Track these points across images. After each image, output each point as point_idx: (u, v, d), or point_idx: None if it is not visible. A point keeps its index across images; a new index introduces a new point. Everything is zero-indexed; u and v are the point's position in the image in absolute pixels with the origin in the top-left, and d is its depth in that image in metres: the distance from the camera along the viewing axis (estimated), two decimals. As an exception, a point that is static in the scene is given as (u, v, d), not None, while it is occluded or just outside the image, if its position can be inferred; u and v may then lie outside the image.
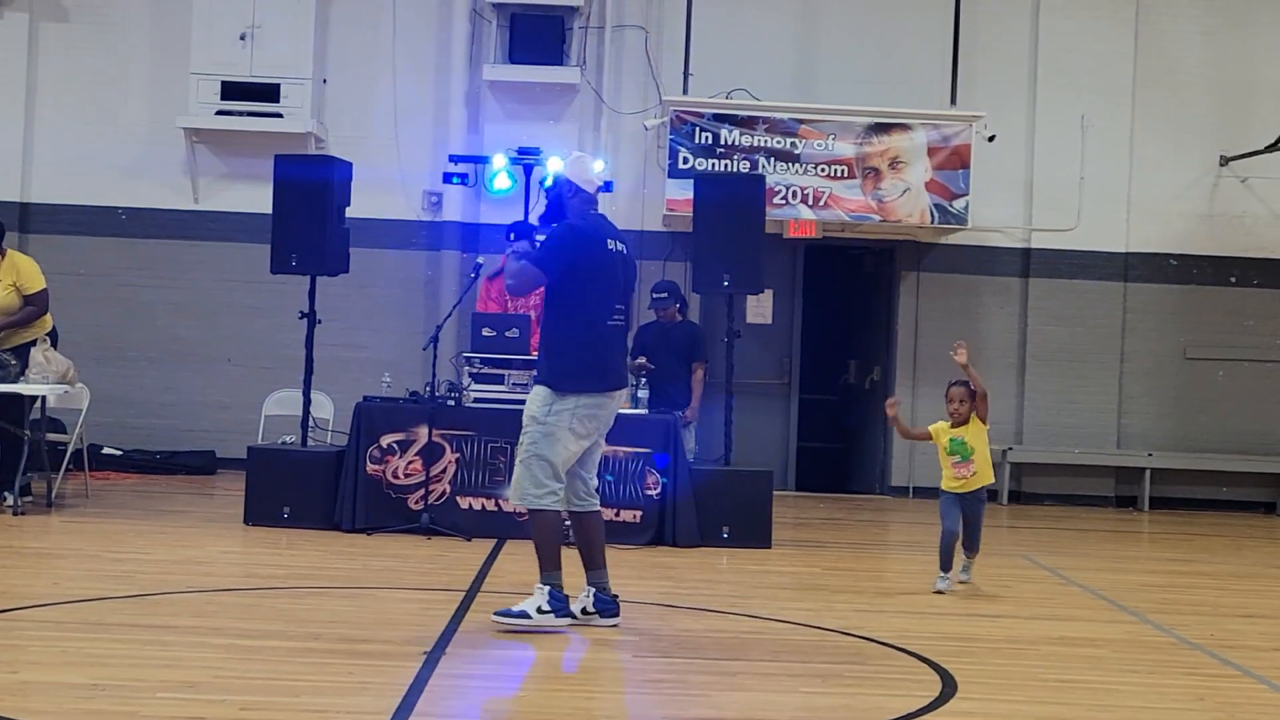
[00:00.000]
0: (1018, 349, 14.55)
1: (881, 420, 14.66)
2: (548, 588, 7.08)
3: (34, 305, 10.87)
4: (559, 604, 7.08)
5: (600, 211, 7.49)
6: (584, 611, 7.17)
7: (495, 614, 7.04)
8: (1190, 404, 14.70)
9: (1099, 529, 12.83)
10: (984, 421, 8.79)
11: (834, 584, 9.05)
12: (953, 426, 8.79)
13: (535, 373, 7.40)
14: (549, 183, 7.57)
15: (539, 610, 7.03)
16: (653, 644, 6.79)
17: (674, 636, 6.99)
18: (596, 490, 7.39)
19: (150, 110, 14.21)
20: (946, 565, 8.75)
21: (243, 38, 13.71)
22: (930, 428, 8.93)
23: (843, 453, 15.66)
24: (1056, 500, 14.36)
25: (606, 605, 7.21)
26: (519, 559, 9.28)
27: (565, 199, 7.38)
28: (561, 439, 7.07)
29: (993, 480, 9.02)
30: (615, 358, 7.32)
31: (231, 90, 13.75)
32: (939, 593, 8.59)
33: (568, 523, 7.40)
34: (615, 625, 7.14)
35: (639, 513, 10.19)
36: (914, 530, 12.31)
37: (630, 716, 5.57)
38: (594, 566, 7.29)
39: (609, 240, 7.29)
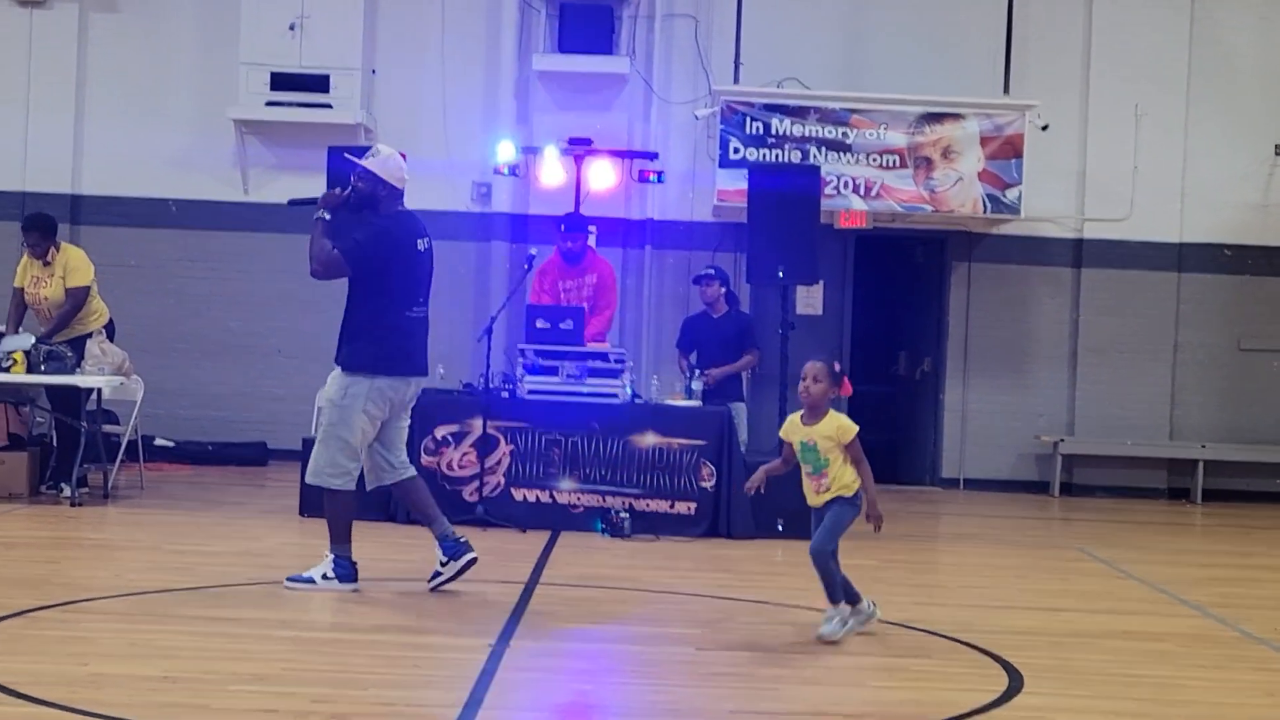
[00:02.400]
0: (1069, 340, 14.44)
1: (933, 411, 14.62)
2: (333, 556, 7.55)
3: (71, 300, 10.88)
4: (344, 571, 7.53)
5: (406, 208, 7.76)
6: (441, 563, 7.63)
7: (287, 579, 7.53)
8: (1244, 395, 14.57)
9: (1153, 521, 12.74)
10: (849, 442, 6.85)
11: (891, 577, 8.99)
12: (804, 420, 6.91)
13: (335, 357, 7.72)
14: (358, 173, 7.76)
15: (324, 576, 7.51)
16: (716, 637, 6.77)
17: (737, 630, 6.97)
18: (404, 461, 7.82)
19: (199, 101, 14.23)
20: (832, 594, 6.81)
21: (292, 28, 13.71)
22: (784, 426, 7.13)
23: (893, 444, 15.57)
24: (1108, 492, 14.23)
25: (456, 548, 7.64)
26: (575, 550, 9.30)
27: (379, 196, 7.66)
28: (356, 420, 7.46)
29: (847, 492, 6.84)
30: (413, 345, 7.67)
31: (281, 81, 13.76)
32: (822, 639, 6.68)
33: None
34: (470, 561, 7.64)
35: (693, 505, 10.16)
36: (967, 522, 12.26)
37: (699, 710, 5.54)
38: (431, 520, 7.75)
39: (418, 240, 7.65)
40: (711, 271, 11.78)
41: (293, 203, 8.21)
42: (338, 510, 7.60)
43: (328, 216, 7.66)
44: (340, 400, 7.48)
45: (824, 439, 6.77)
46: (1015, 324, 14.46)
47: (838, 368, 6.89)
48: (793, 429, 6.90)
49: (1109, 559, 10.07)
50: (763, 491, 7.31)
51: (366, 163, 7.68)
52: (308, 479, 7.77)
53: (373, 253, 7.51)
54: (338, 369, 7.59)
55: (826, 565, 6.71)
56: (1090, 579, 9.28)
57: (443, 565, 7.60)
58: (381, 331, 7.51)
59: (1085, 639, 7.12)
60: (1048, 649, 6.80)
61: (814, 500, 6.88)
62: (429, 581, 7.58)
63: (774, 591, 8.07)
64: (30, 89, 14.09)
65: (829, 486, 6.80)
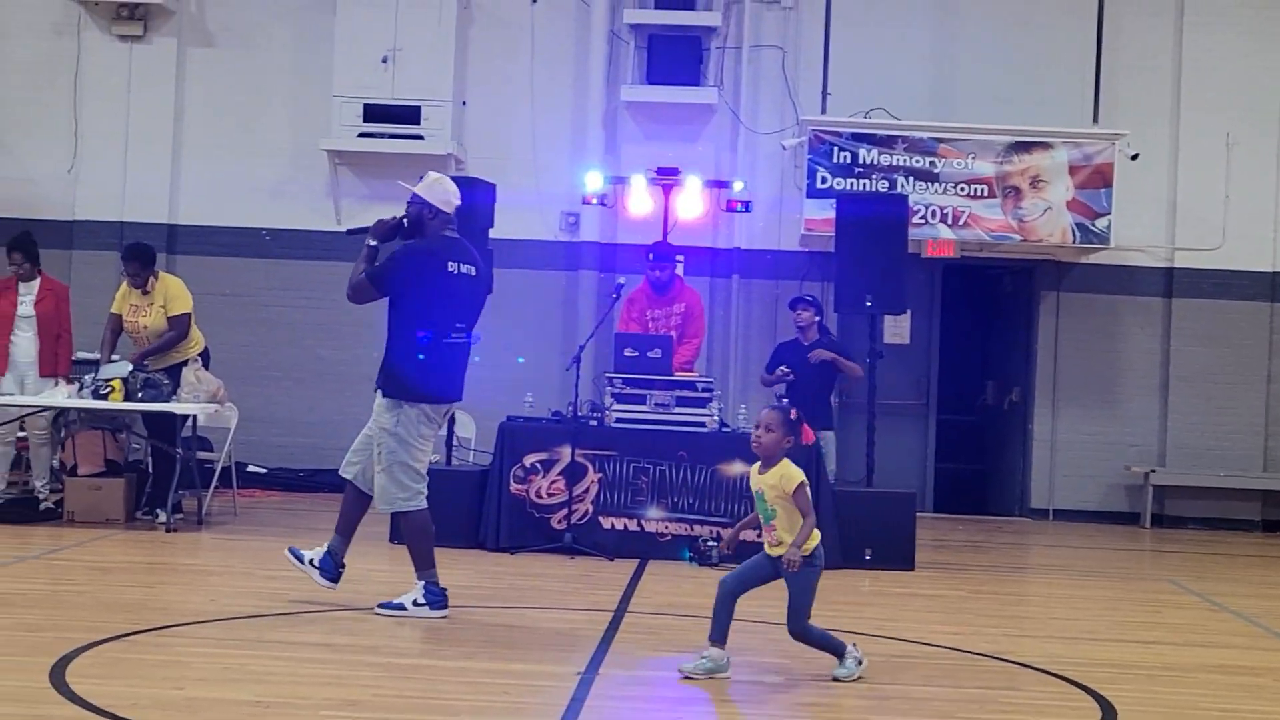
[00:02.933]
0: (1160, 370, 14.30)
1: (1021, 441, 14.53)
2: (423, 583, 7.59)
3: (174, 329, 11.08)
4: (434, 597, 7.58)
5: (454, 234, 7.81)
6: (311, 563, 7.81)
7: (378, 605, 7.60)
8: (1340, 427, 14.36)
9: (1246, 554, 12.58)
10: (802, 494, 6.48)
11: (980, 607, 8.96)
12: (760, 470, 6.60)
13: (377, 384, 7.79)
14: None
15: (414, 603, 7.56)
16: (804, 667, 6.76)
17: (824, 660, 6.92)
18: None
19: (293, 133, 14.46)
20: (716, 632, 6.50)
21: (384, 60, 13.90)
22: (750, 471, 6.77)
23: (981, 474, 15.50)
24: (1200, 524, 14.07)
25: (334, 570, 7.81)
26: (663, 579, 9.32)
27: (425, 220, 7.73)
28: (415, 444, 7.63)
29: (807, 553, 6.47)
30: (450, 372, 7.77)
31: (373, 113, 13.95)
32: (684, 675, 6.40)
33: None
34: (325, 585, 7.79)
35: (781, 534, 10.13)
36: (1056, 553, 12.15)
37: (787, 740, 5.55)
38: (344, 533, 7.90)
39: (451, 263, 7.67)
40: (808, 297, 11.81)
41: (350, 231, 8.22)
42: (415, 533, 7.69)
43: (373, 242, 7.72)
44: (394, 428, 7.61)
45: (769, 488, 6.50)
46: (1105, 354, 14.34)
47: (793, 416, 6.58)
48: (752, 478, 6.66)
49: (1201, 591, 9.95)
50: (731, 550, 7.20)
51: (415, 188, 7.79)
52: (380, 508, 7.79)
53: (395, 276, 7.60)
54: (379, 395, 7.71)
55: (809, 639, 6.49)
56: (1182, 611, 9.18)
57: (309, 565, 7.81)
58: (417, 358, 7.58)
59: (1178, 673, 7.05)
60: (1140, 682, 6.74)
61: (771, 552, 6.59)
62: (445, 609, 7.65)
63: (861, 621, 8.04)
64: (129, 122, 14.38)
65: (779, 540, 6.50)
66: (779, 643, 7.29)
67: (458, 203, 7.85)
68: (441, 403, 7.76)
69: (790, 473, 6.47)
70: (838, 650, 6.48)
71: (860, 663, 6.48)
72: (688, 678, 6.33)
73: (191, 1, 14.56)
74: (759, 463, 6.59)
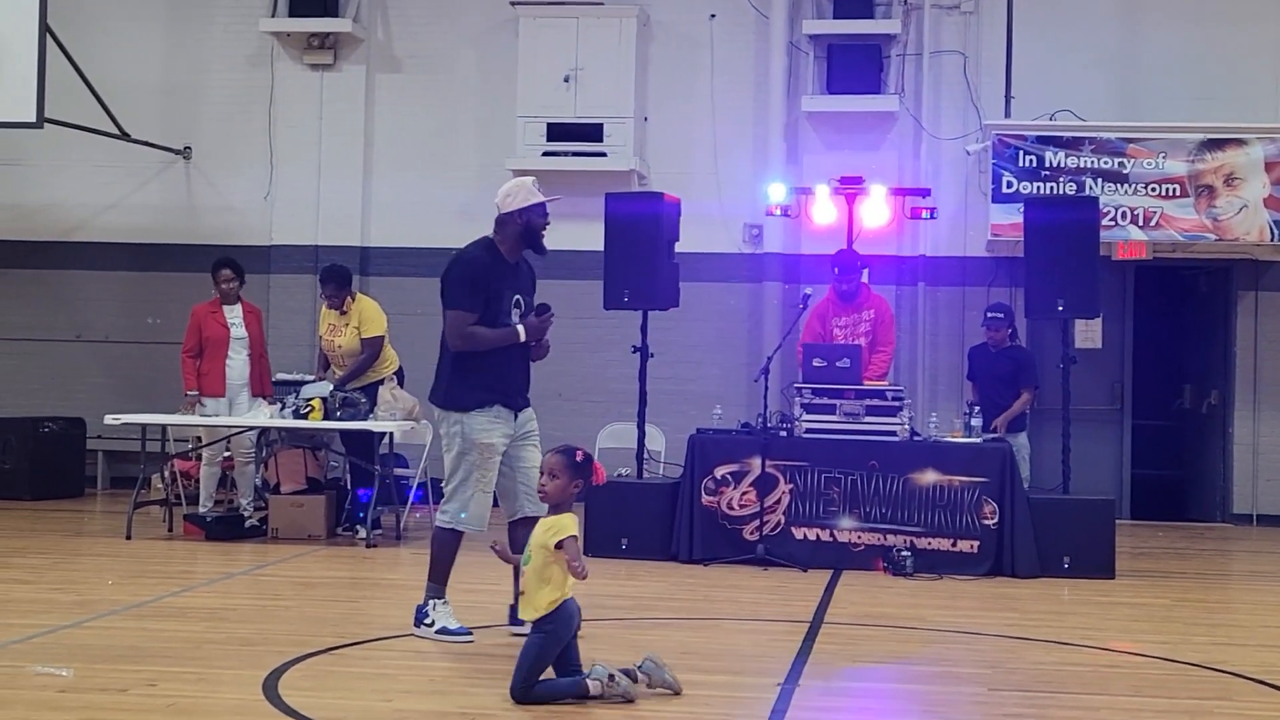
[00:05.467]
0: (1367, 368, 13.84)
1: (1221, 445, 14.15)
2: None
3: (367, 350, 11.33)
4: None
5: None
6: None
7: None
8: None
9: None
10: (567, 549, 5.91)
11: (1186, 616, 8.75)
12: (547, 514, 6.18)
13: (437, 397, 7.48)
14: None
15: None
16: (1007, 677, 6.67)
17: (1028, 670, 6.85)
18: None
19: (479, 154, 14.67)
20: (576, 693, 5.91)
21: (566, 80, 14.07)
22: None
23: (1179, 479, 15.13)
24: None
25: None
26: (858, 589, 9.27)
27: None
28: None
29: (535, 618, 5.96)
30: (505, 377, 7.45)
31: (556, 131, 14.11)
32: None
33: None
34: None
35: (976, 543, 10.03)
36: (1262, 560, 11.82)
37: (994, 751, 5.48)
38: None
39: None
40: (1000, 316, 11.71)
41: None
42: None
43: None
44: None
45: (540, 532, 6.05)
46: (1307, 355, 13.92)
47: (580, 457, 6.12)
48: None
49: None
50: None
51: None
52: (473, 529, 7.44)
53: (444, 285, 7.47)
54: (451, 411, 7.39)
55: (530, 699, 5.81)
56: (1399, 619, 8.87)
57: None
58: (464, 367, 7.38)
59: (1399, 682, 6.81)
60: (1359, 692, 6.53)
61: (521, 608, 6.16)
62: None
63: (1063, 630, 7.91)
64: (321, 148, 14.76)
65: (524, 589, 6.04)
66: (981, 653, 7.23)
67: (510, 205, 7.54)
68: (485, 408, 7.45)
69: (564, 524, 5.97)
70: (580, 689, 5.84)
71: (613, 677, 5.84)
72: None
73: (379, 29, 14.89)
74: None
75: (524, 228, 7.48)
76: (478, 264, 7.43)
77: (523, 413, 7.49)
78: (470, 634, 7.26)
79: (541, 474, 6.18)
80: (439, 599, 7.38)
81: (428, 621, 7.32)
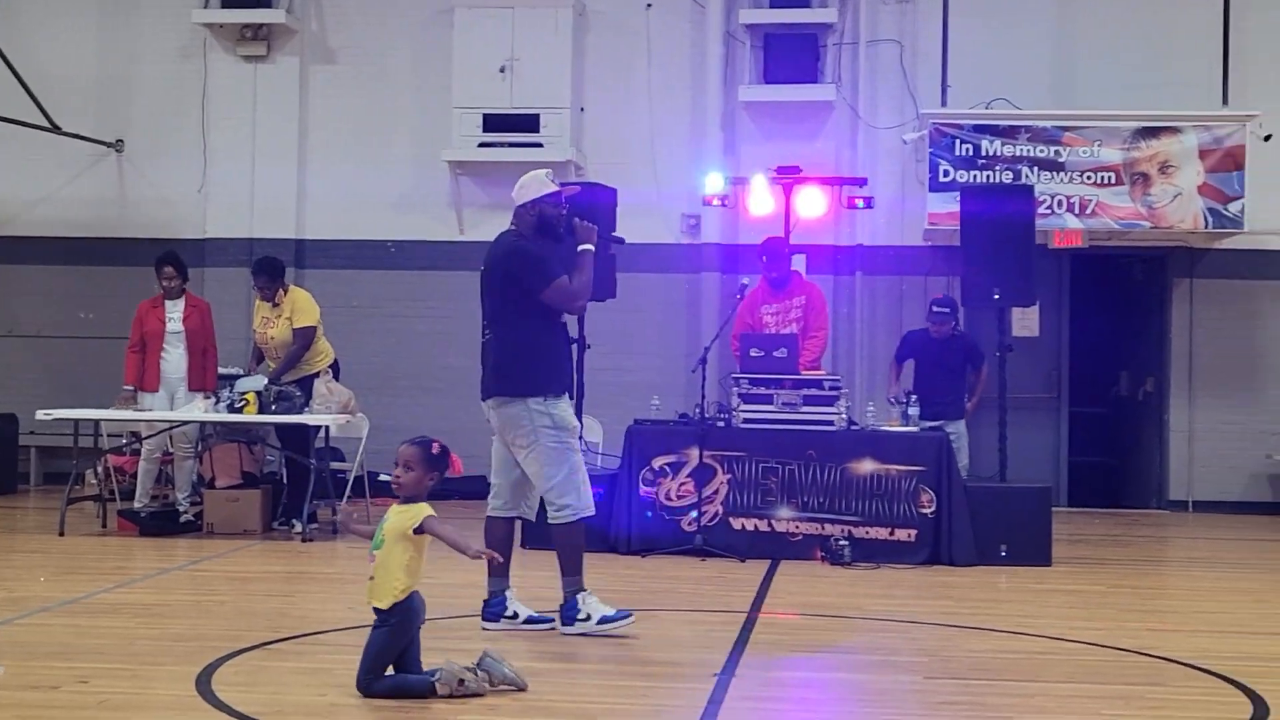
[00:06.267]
0: (1302, 355, 13.97)
1: (1157, 432, 14.26)
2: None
3: (299, 341, 11.25)
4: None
5: (511, 226, 7.54)
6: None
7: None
8: None
9: (1397, 542, 12.24)
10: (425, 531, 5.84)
11: (1122, 602, 8.80)
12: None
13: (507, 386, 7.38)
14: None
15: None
16: (944, 665, 6.68)
17: (964, 658, 6.87)
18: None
19: (415, 145, 14.61)
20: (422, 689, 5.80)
21: (502, 70, 14.01)
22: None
23: (1116, 466, 15.25)
24: (1350, 512, 13.73)
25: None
26: (795, 579, 9.27)
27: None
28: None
29: (387, 604, 5.79)
30: (483, 369, 7.52)
31: (493, 122, 14.06)
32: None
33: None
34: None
35: (914, 532, 10.06)
36: (1198, 546, 11.92)
37: (929, 739, 5.49)
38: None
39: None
40: (947, 310, 11.76)
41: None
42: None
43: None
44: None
45: (394, 516, 5.92)
46: (1242, 340, 14.03)
47: (436, 449, 6.00)
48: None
49: (1352, 581, 9.71)
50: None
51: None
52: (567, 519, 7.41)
53: (522, 272, 7.41)
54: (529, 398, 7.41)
55: (374, 692, 5.72)
56: (1333, 602, 8.96)
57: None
58: (540, 353, 7.46)
59: (1331, 665, 6.87)
60: (1291, 676, 6.58)
61: (368, 594, 5.89)
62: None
63: (999, 618, 7.94)
64: (255, 140, 14.64)
65: (372, 575, 5.84)
66: (918, 642, 7.24)
67: (522, 196, 7.52)
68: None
69: (419, 509, 5.85)
70: (423, 688, 5.72)
71: (463, 681, 5.71)
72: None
73: (313, 20, 14.78)
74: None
75: (538, 219, 7.48)
76: (527, 242, 7.43)
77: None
78: (631, 614, 7.31)
79: (396, 465, 5.98)
80: (584, 591, 7.36)
81: (581, 617, 7.26)
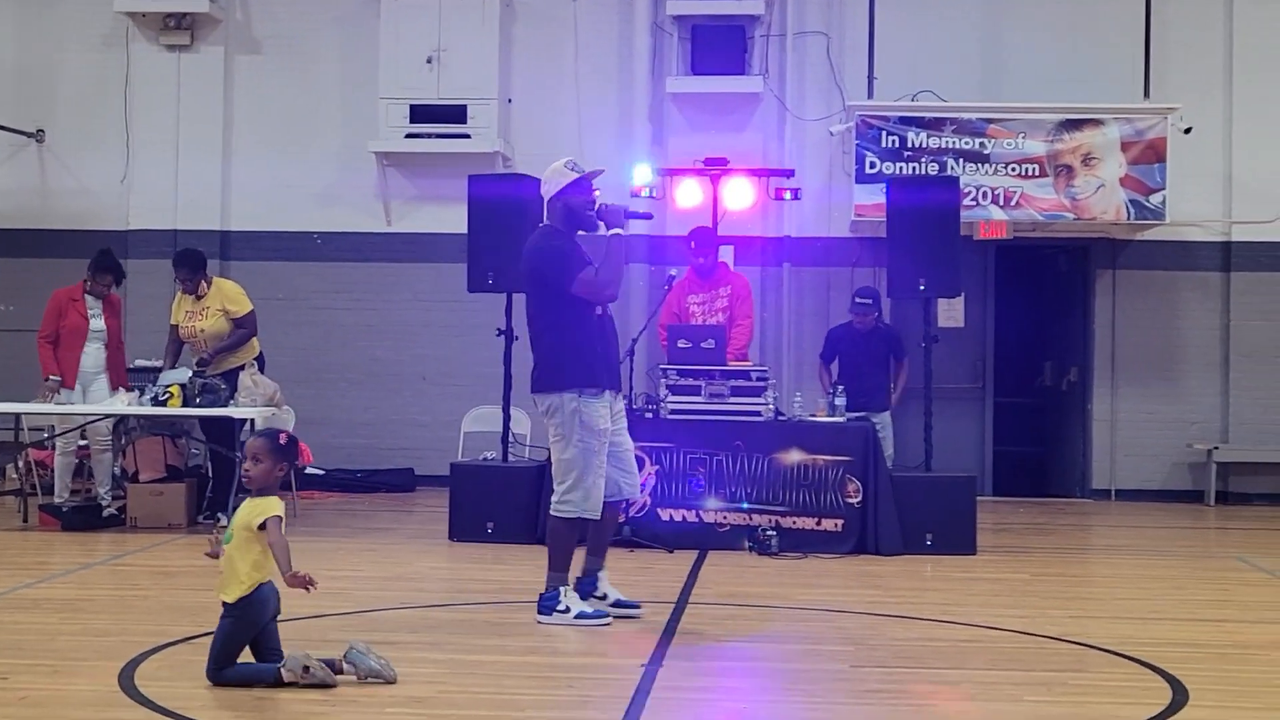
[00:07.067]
0: (1221, 345, 14.11)
1: (1081, 421, 14.40)
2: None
3: (244, 327, 11.19)
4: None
5: (545, 221, 7.65)
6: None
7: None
8: (1404, 397, 14.15)
9: (1314, 529, 12.43)
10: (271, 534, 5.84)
11: (1045, 590, 8.89)
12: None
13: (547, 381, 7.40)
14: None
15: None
16: (869, 654, 6.73)
17: (890, 646, 6.91)
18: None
19: (342, 136, 14.50)
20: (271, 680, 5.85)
21: (429, 61, 13.94)
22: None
23: (1041, 456, 15.39)
24: (1266, 500, 13.91)
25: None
26: (723, 569, 9.29)
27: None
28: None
29: (233, 598, 5.94)
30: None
31: (420, 113, 13.98)
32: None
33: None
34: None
35: (840, 521, 10.10)
36: (1120, 534, 12.04)
37: (855, 727, 5.51)
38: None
39: None
40: (869, 301, 11.80)
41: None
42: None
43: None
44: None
45: (243, 513, 5.93)
46: (1164, 331, 14.19)
47: (283, 440, 5.98)
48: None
49: (1269, 568, 9.84)
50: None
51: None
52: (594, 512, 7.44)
53: (548, 269, 7.49)
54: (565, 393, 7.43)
55: (222, 681, 5.80)
56: (1251, 589, 9.07)
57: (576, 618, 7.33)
58: (571, 349, 7.45)
59: (1249, 650, 6.95)
60: (1211, 661, 6.66)
61: (216, 588, 6.05)
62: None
63: (925, 606, 7.99)
64: (179, 130, 14.47)
65: (223, 568, 5.94)
66: (844, 630, 7.28)
67: (546, 192, 7.62)
68: None
69: (268, 505, 5.84)
70: (275, 677, 5.76)
71: (308, 669, 5.73)
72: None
73: (237, 10, 14.63)
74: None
75: (564, 210, 7.50)
76: (554, 237, 7.46)
77: (617, 397, 7.58)
78: (608, 616, 7.30)
79: (244, 459, 5.97)
80: (567, 585, 7.37)
81: (561, 609, 7.27)
